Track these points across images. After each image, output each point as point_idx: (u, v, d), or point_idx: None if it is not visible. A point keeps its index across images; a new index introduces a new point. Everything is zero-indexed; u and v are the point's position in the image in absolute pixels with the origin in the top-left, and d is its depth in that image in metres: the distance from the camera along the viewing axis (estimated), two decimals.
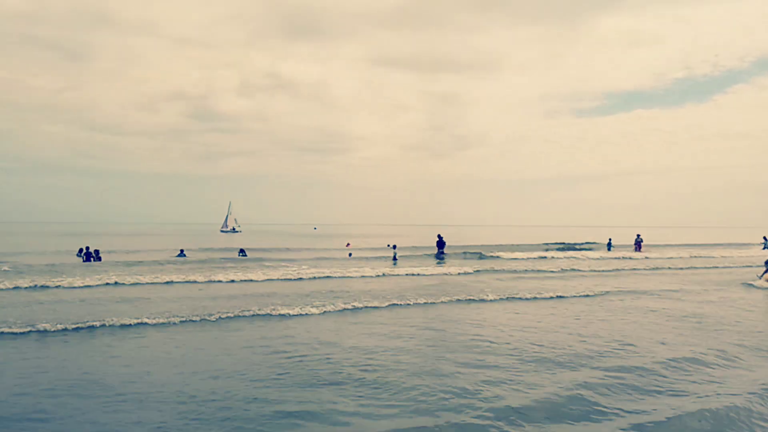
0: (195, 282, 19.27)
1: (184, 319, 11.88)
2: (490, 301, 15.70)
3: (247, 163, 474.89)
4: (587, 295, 16.92)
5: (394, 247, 38.70)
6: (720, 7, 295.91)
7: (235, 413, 6.24)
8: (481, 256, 33.86)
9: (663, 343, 10.04)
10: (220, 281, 19.59)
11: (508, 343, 9.91)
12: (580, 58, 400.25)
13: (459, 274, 23.81)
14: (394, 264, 29.62)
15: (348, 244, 50.99)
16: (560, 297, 16.54)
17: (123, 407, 6.40)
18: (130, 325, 11.19)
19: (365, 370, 8.00)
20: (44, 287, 17.08)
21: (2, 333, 10.18)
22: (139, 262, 27.11)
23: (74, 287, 17.32)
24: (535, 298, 16.30)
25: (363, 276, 22.23)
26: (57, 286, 17.28)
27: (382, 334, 10.79)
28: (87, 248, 29.76)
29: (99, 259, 28.40)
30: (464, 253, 35.43)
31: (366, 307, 14.05)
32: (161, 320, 11.64)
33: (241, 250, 34.74)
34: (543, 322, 12.30)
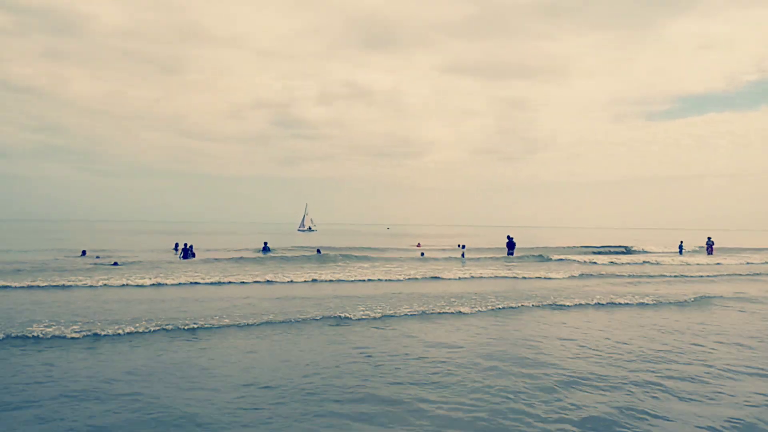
0: (281, 282, 19.38)
1: (279, 319, 11.59)
2: (570, 306, 14.37)
3: (325, 167, 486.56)
4: (685, 302, 15.28)
5: (463, 246, 37.67)
6: None
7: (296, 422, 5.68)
8: (551, 259, 32.14)
9: None
10: (305, 281, 19.58)
11: (607, 358, 8.81)
12: (649, 62, 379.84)
13: (537, 278, 22.46)
14: (462, 263, 28.84)
15: (418, 244, 50.30)
16: (651, 304, 15.03)
17: (204, 412, 6.00)
18: (217, 326, 11.00)
19: (441, 386, 7.26)
20: (157, 285, 17.57)
21: (99, 335, 10.21)
22: (228, 258, 27.69)
23: (174, 285, 17.78)
24: (615, 304, 14.87)
25: (434, 277, 21.51)
26: (156, 284, 17.75)
27: (457, 342, 9.99)
28: (185, 244, 30.77)
29: (193, 255, 29.23)
30: (539, 256, 33.73)
31: (443, 312, 13.23)
32: (251, 321, 11.37)
33: (318, 250, 34.84)
34: (643, 331, 11.01)
